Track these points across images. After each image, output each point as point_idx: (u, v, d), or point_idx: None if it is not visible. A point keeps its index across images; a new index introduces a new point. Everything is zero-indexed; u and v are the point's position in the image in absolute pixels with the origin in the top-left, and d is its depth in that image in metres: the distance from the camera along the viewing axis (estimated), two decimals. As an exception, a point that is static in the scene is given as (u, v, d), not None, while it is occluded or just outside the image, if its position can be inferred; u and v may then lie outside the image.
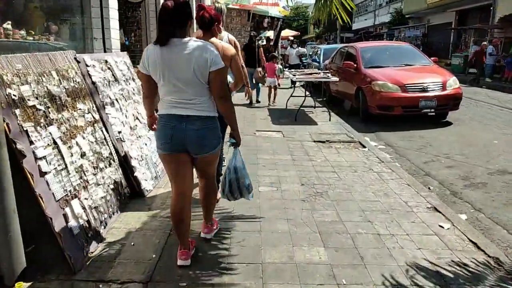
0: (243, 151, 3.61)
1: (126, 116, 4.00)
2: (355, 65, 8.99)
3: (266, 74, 10.21)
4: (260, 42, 11.53)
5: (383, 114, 8.05)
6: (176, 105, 2.48)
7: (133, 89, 4.43)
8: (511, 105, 10.49)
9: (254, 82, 9.94)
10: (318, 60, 14.40)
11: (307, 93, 8.70)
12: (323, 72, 8.23)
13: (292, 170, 4.75)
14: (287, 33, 29.79)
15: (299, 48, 13.66)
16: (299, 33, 36.44)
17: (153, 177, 4.08)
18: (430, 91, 7.75)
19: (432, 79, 7.97)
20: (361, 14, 47.12)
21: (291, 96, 9.67)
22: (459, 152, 6.09)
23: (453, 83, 7.99)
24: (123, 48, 6.33)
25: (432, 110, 7.80)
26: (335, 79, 8.07)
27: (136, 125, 4.15)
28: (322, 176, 4.56)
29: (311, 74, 8.07)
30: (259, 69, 10.10)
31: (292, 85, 11.04)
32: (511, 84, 15.22)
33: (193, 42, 2.42)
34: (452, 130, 7.62)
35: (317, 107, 9.16)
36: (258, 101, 10.20)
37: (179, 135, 2.49)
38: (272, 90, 10.05)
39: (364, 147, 5.94)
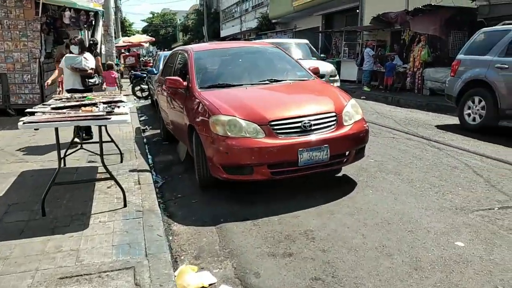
0: None
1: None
2: (185, 83, 4.99)
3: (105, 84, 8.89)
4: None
5: (235, 180, 4.18)
6: None
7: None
8: (414, 127, 7.64)
9: None
10: (156, 72, 10.16)
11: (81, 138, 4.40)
12: (106, 102, 3.89)
13: None
14: (138, 38, 25.13)
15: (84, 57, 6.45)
16: (154, 39, 31.83)
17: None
18: (315, 132, 4.08)
19: (316, 106, 4.32)
20: (228, 20, 44.57)
21: (71, 144, 5.22)
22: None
23: (353, 111, 4.43)
24: None
25: (323, 167, 4.15)
26: (94, 123, 3.69)
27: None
28: None
29: (67, 107, 3.72)
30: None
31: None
32: (392, 93, 13.07)
33: None
34: (360, 202, 4.05)
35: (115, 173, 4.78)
36: None
37: None
38: None
39: None
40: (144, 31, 64.59)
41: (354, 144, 4.32)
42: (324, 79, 8.72)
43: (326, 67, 9.92)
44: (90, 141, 5.87)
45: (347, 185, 4.51)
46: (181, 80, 5.03)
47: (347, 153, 4.30)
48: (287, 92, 4.77)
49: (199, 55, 5.46)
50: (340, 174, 4.91)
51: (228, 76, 5.12)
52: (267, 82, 4.99)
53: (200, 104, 4.46)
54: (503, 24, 7.23)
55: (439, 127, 7.74)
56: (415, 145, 6.26)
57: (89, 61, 6.10)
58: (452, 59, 8.77)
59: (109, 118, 3.40)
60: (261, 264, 2.98)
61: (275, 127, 3.97)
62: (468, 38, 10.47)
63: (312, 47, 11.94)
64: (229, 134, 3.97)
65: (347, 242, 3.23)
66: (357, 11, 19.82)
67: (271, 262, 2.99)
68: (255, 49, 5.97)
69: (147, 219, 3.45)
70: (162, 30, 70.44)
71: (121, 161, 5.24)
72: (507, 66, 6.51)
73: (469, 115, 7.29)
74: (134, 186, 4.29)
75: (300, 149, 3.91)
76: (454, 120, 8.13)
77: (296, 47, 10.96)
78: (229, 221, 3.71)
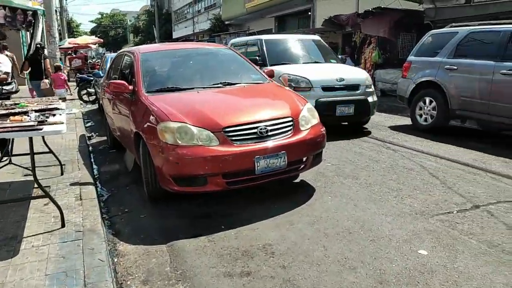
0: None
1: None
2: (130, 87, 4.63)
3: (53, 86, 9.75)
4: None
5: (188, 193, 3.89)
6: None
7: None
8: (368, 128, 7.66)
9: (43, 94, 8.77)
10: (102, 74, 9.59)
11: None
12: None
13: None
14: (85, 40, 24.00)
15: None
16: (102, 40, 30.61)
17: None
18: (272, 138, 3.87)
19: (272, 111, 4.11)
20: (181, 21, 43.86)
21: (2, 157, 4.66)
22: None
23: (309, 115, 4.28)
24: None
25: (280, 174, 3.95)
26: None
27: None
28: None
29: None
30: (46, 80, 9.17)
31: None
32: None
33: None
34: (319, 210, 3.88)
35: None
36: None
37: None
38: None
39: None
40: (93, 32, 62.24)
41: (312, 149, 4.16)
42: (359, 91, 6.96)
43: (360, 74, 7.50)
44: (23, 152, 5.30)
45: (305, 192, 4.34)
46: (126, 84, 4.66)
47: (304, 159, 4.13)
48: (241, 96, 4.53)
49: (147, 56, 5.09)
50: (297, 180, 4.74)
51: (178, 79, 4.81)
52: (220, 85, 4.72)
53: (147, 109, 4.12)
54: (451, 27, 7.40)
55: (392, 128, 7.81)
56: (371, 147, 6.24)
57: (1, 64, 5.14)
58: (402, 61, 8.92)
59: (41, 129, 3.00)
60: (217, 286, 2.72)
61: (230, 134, 3.72)
62: (416, 40, 10.77)
63: (326, 45, 9.07)
64: (179, 142, 3.67)
65: (308, 256, 3.03)
66: (309, 13, 20.04)
67: (228, 284, 2.74)
68: (207, 51, 5.68)
69: (88, 241, 3.08)
70: (112, 31, 68.22)
71: (62, 174, 4.77)
72: (456, 68, 6.65)
73: (420, 115, 7.40)
74: (75, 202, 3.88)
75: (256, 157, 3.69)
76: (406, 121, 8.25)
77: (299, 44, 8.38)
78: (182, 238, 3.41)
